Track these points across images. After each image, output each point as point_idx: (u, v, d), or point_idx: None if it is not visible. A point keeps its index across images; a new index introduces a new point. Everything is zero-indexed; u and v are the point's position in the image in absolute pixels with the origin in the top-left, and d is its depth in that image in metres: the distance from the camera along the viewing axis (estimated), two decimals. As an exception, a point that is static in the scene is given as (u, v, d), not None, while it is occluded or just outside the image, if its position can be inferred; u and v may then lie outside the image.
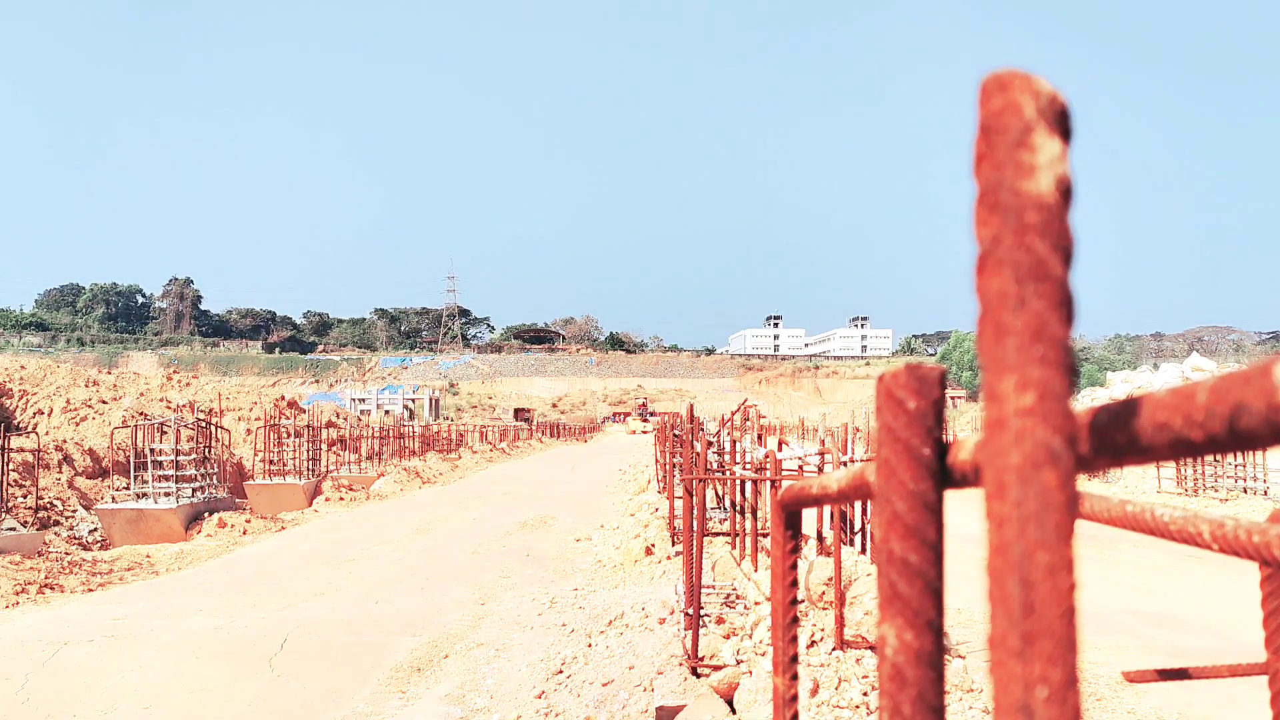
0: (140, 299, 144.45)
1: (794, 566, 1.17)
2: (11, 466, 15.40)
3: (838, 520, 5.55)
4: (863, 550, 7.51)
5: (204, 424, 18.45)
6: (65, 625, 8.68)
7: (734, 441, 10.99)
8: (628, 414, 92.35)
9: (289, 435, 23.25)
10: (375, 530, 15.55)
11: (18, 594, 10.15)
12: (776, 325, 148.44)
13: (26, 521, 14.89)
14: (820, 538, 7.34)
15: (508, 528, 15.47)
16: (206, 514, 16.40)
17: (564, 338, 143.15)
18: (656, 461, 20.27)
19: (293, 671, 7.16)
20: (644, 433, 72.10)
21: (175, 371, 41.71)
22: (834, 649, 5.27)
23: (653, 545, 11.50)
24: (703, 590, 6.71)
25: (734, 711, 5.15)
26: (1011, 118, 0.50)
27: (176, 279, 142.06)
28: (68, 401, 25.79)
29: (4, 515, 13.64)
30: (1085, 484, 20.01)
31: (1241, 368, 0.44)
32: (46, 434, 22.20)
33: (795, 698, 1.12)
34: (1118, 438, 0.51)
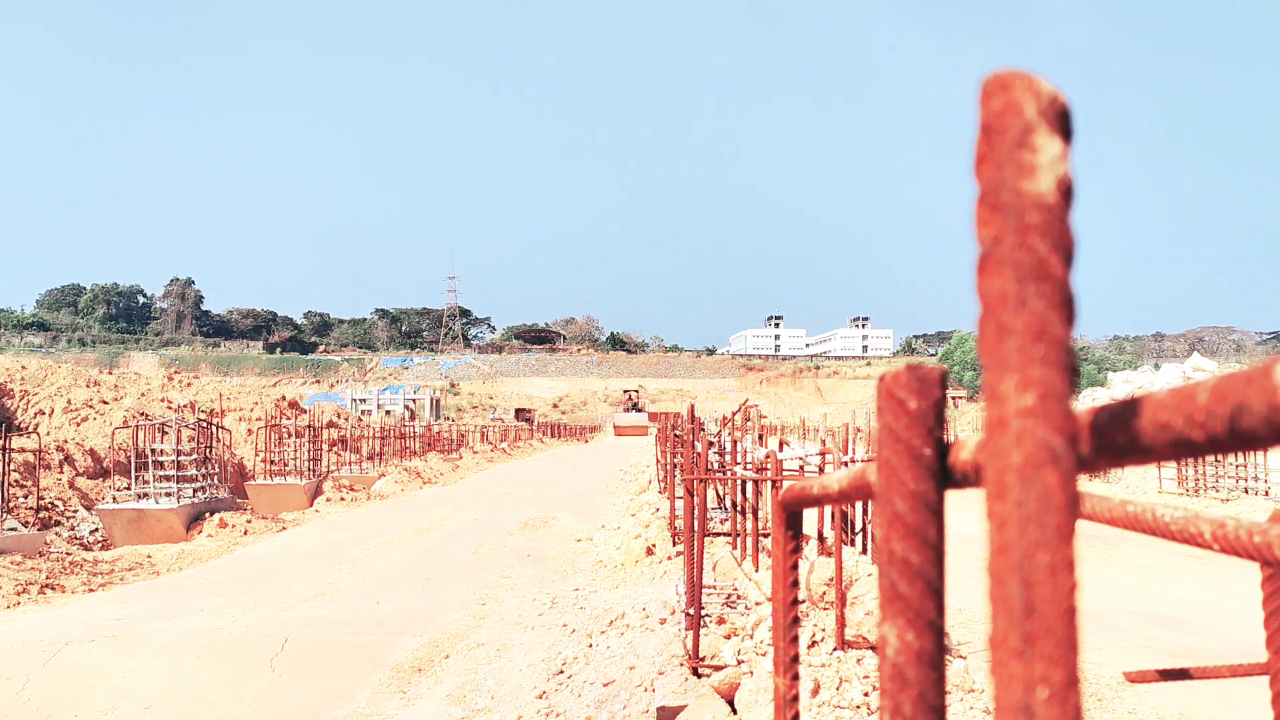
0: (141, 299, 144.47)
1: (795, 567, 1.17)
2: (13, 466, 15.40)
3: (839, 520, 5.55)
4: (864, 550, 7.50)
5: (205, 424, 18.46)
6: (66, 625, 8.68)
7: (735, 442, 10.98)
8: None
9: (290, 435, 23.24)
10: (376, 530, 15.55)
11: (19, 594, 10.16)
12: (777, 325, 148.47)
13: (28, 522, 14.90)
14: (821, 538, 7.34)
15: (508, 528, 15.47)
16: (207, 514, 16.41)
17: (565, 338, 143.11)
18: (657, 462, 20.27)
19: (294, 671, 7.17)
20: (637, 430, 71.47)
21: (176, 372, 41.74)
22: (835, 649, 5.26)
23: (653, 545, 11.50)
24: (704, 590, 6.70)
25: (735, 712, 5.15)
26: (1012, 118, 0.50)
27: (178, 279, 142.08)
28: (69, 402, 25.80)
29: (5, 515, 13.65)
30: (1086, 484, 20.00)
31: (1242, 368, 0.44)
32: (48, 434, 22.21)
33: (796, 698, 1.12)
34: (1119, 438, 0.51)
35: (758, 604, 6.59)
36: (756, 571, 7.80)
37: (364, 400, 77.55)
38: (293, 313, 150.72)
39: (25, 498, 16.18)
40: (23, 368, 28.67)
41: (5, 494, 14.18)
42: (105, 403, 26.48)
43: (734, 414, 11.68)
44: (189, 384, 33.60)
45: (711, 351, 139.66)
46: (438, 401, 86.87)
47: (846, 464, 8.89)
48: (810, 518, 8.64)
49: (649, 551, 11.35)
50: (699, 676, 5.74)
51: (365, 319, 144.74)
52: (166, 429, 17.90)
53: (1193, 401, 0.46)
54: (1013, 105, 0.50)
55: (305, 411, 31.73)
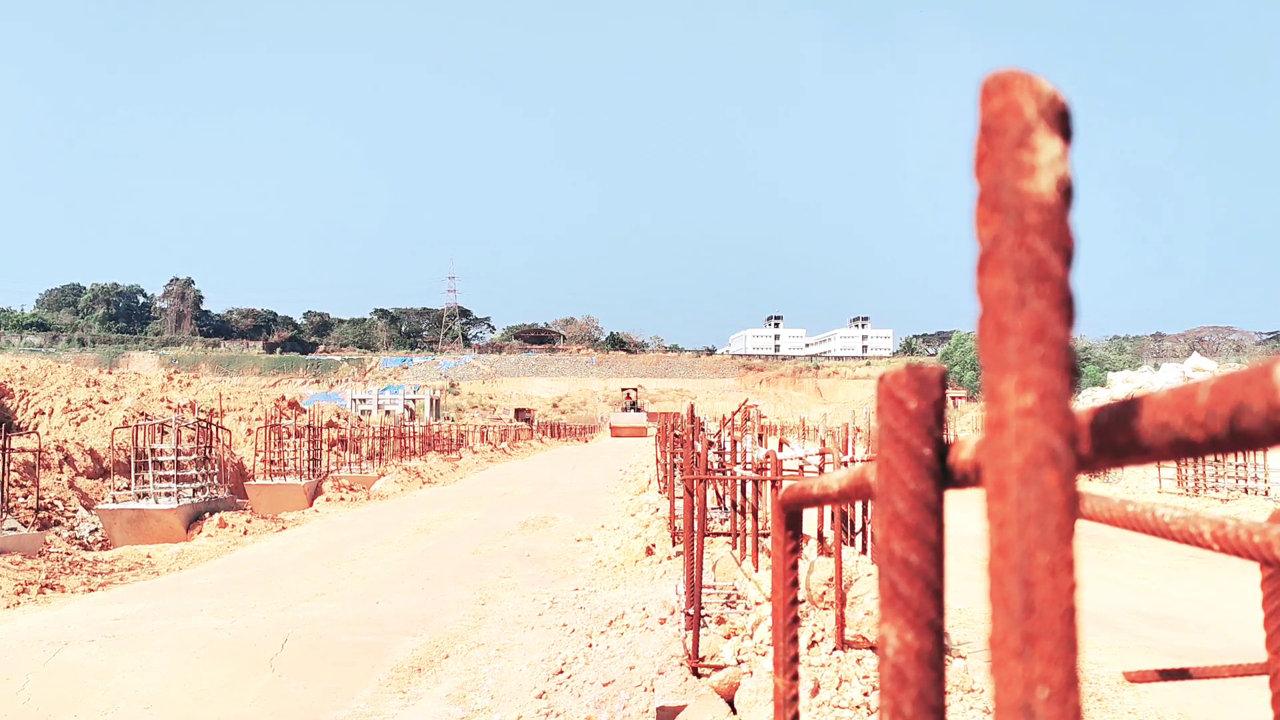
0: (141, 299, 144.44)
1: (795, 566, 1.17)
2: (12, 466, 15.40)
3: (838, 520, 5.55)
4: (863, 550, 7.50)
5: (205, 424, 18.45)
6: (66, 625, 8.68)
7: (735, 442, 10.98)
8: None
9: (290, 435, 23.24)
10: (376, 530, 15.54)
11: (18, 594, 10.15)
12: (777, 325, 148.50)
13: (27, 521, 14.89)
14: (821, 538, 7.33)
15: (508, 528, 15.47)
16: (207, 514, 16.40)
17: (564, 338, 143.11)
18: (657, 461, 20.27)
19: (294, 671, 7.16)
20: (635, 430, 71.03)
21: (176, 371, 41.76)
22: (835, 649, 5.26)
23: (653, 545, 11.50)
24: (703, 590, 6.70)
25: (735, 712, 5.15)
26: (1012, 118, 0.50)
27: (177, 279, 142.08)
28: (69, 401, 25.79)
29: (5, 515, 13.65)
30: (1086, 484, 20.00)
31: (1242, 368, 0.44)
32: (47, 434, 22.20)
33: (796, 698, 1.12)
34: (1118, 438, 0.51)
35: (757, 604, 6.59)
36: (756, 571, 7.80)
37: (364, 400, 77.51)
38: (292, 313, 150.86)
39: (25, 498, 16.17)
40: (22, 368, 28.67)
41: (5, 494, 14.18)
42: (105, 403, 26.47)
43: (734, 414, 11.67)
44: (189, 384, 33.59)
45: (711, 351, 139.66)
46: (437, 401, 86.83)
47: (846, 464, 8.89)
48: (810, 518, 8.64)
49: (649, 551, 11.35)
50: (699, 676, 5.74)
51: (365, 319, 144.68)
52: (166, 429, 17.90)
53: (1193, 401, 0.46)
54: (1012, 105, 0.50)
55: (305, 411, 31.72)
